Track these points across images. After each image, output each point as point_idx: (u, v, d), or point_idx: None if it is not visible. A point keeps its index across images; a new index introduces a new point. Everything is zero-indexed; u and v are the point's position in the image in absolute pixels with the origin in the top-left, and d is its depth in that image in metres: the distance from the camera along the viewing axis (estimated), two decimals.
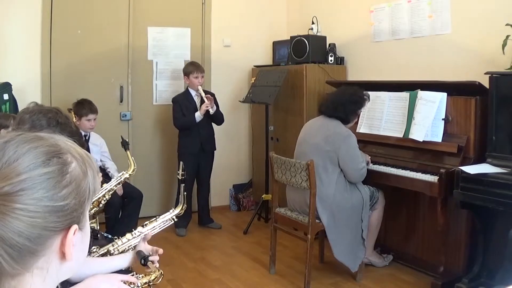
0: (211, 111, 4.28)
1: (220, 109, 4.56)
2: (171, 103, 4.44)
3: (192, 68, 4.35)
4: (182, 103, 4.35)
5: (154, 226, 1.74)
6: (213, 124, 4.52)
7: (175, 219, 1.79)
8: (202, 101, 4.29)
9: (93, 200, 0.82)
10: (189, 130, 4.34)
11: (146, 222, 1.74)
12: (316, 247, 3.53)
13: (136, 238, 1.69)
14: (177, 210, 1.79)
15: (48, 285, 0.72)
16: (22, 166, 0.67)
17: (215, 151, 4.59)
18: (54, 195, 0.68)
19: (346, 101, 3.24)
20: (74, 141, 0.78)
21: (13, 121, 3.16)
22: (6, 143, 0.69)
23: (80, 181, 0.72)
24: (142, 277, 1.58)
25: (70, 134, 1.40)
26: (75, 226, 0.71)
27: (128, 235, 1.69)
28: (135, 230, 1.80)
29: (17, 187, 0.65)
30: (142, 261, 1.63)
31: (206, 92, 4.39)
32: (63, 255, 0.71)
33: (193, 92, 4.39)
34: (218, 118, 4.45)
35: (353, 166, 3.15)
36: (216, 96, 4.53)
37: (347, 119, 3.26)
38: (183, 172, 1.84)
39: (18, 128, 1.45)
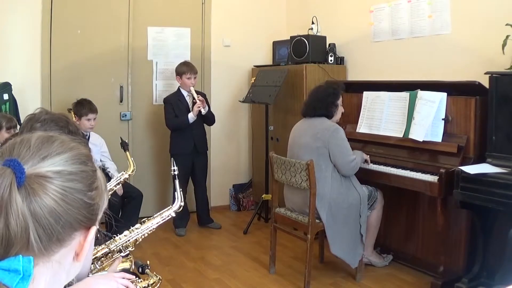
0: (203, 112, 4.26)
1: (220, 109, 4.56)
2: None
3: (186, 69, 4.32)
4: (174, 103, 4.32)
5: (153, 223, 1.73)
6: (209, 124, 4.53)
7: (174, 215, 1.78)
8: (194, 102, 4.26)
9: None
10: (182, 130, 4.31)
11: (144, 219, 1.74)
12: (316, 247, 3.53)
13: (134, 235, 1.69)
14: (175, 207, 1.79)
15: (59, 282, 0.75)
16: (67, 158, 0.73)
17: (210, 151, 4.58)
18: (87, 192, 0.74)
19: (321, 96, 3.32)
20: None
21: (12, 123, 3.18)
22: (53, 137, 0.76)
23: (103, 190, 0.80)
24: (141, 281, 1.58)
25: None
26: (94, 228, 0.77)
27: (126, 232, 1.69)
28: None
29: (61, 174, 0.71)
30: (140, 269, 1.63)
31: (197, 92, 4.36)
32: (76, 256, 0.76)
33: (185, 93, 4.36)
34: (209, 118, 4.44)
35: (343, 158, 3.16)
36: (215, 96, 4.54)
37: (329, 113, 3.30)
38: (175, 168, 1.85)
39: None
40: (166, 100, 4.39)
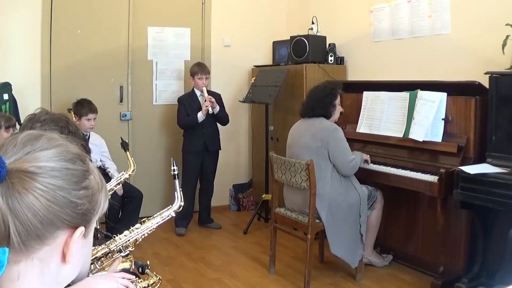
0: (210, 111, 4.29)
1: None
2: (176, 103, 4.50)
3: (197, 69, 4.39)
4: (187, 103, 4.39)
5: (153, 223, 1.73)
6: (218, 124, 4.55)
7: (174, 215, 1.79)
8: (205, 102, 4.31)
9: None
10: (193, 129, 4.36)
11: (144, 219, 1.74)
12: (316, 247, 3.54)
13: (134, 235, 1.69)
14: (175, 206, 1.79)
15: (47, 284, 0.74)
16: (51, 155, 0.72)
17: (219, 151, 4.60)
18: (72, 190, 0.72)
19: (319, 97, 3.31)
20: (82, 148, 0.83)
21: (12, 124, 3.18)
22: (40, 134, 0.75)
23: (95, 191, 0.78)
24: (141, 281, 1.58)
25: (80, 144, 1.41)
26: (82, 228, 0.75)
27: (126, 232, 1.69)
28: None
29: (42, 170, 0.70)
30: (140, 269, 1.63)
31: (212, 93, 4.43)
32: (63, 257, 0.74)
33: (198, 93, 4.43)
34: (221, 118, 4.48)
35: (343, 158, 3.17)
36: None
37: (327, 113, 3.30)
38: (175, 168, 1.85)
39: None
40: (179, 100, 4.46)
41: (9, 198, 0.67)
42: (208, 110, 4.26)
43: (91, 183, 0.77)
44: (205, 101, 4.29)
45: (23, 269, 0.71)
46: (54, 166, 0.71)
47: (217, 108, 4.37)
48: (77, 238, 0.74)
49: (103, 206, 0.81)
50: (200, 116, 4.30)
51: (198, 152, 4.40)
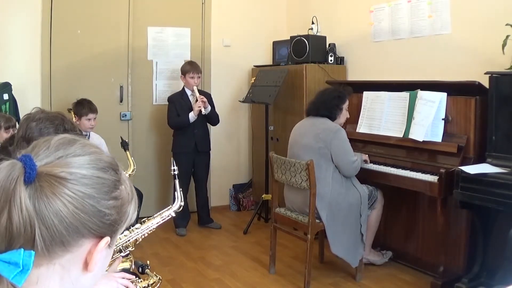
0: (203, 111, 4.27)
1: (220, 109, 4.55)
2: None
3: (189, 68, 4.36)
4: (177, 103, 4.35)
5: (153, 223, 1.73)
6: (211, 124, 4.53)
7: (174, 215, 1.79)
8: (197, 102, 4.28)
9: None
10: (184, 129, 4.33)
11: (144, 219, 1.74)
12: (316, 247, 3.54)
13: (134, 235, 1.69)
14: (175, 206, 1.79)
15: None
16: (84, 162, 0.71)
17: (211, 151, 4.59)
18: (102, 199, 0.71)
19: (327, 98, 3.33)
20: None
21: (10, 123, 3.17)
22: (75, 140, 0.75)
23: (125, 203, 0.76)
24: (141, 281, 1.58)
25: None
26: (107, 238, 0.73)
27: (126, 232, 1.69)
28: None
29: (73, 176, 0.69)
30: (140, 269, 1.63)
31: (202, 92, 4.40)
32: (85, 265, 0.73)
33: (188, 92, 4.39)
34: (212, 118, 4.45)
35: (345, 159, 3.17)
36: (215, 96, 4.54)
37: (333, 115, 3.30)
38: (175, 168, 1.85)
39: (26, 136, 1.44)
40: (169, 99, 4.42)
41: (36, 201, 0.66)
42: (200, 111, 4.24)
43: (121, 193, 0.75)
44: (196, 101, 4.26)
45: (43, 273, 0.70)
46: (85, 173, 0.70)
47: (209, 108, 4.34)
48: (102, 248, 0.73)
49: (131, 217, 0.79)
50: (192, 116, 4.26)
51: (189, 152, 4.36)
